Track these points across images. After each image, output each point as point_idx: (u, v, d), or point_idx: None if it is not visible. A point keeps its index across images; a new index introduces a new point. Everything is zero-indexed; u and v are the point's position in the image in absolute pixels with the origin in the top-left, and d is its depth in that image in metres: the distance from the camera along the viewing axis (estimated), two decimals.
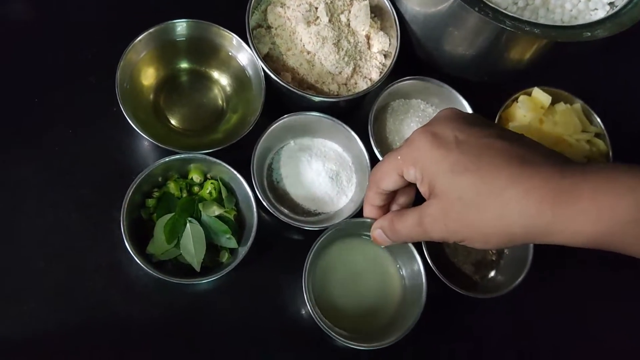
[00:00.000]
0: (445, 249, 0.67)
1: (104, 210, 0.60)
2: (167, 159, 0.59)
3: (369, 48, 0.66)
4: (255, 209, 0.58)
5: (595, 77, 0.81)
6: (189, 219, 0.58)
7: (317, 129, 0.65)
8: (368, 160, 0.63)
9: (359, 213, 0.61)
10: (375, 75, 0.65)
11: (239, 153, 0.60)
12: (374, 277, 0.63)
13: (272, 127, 0.62)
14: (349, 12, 0.65)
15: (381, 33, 0.67)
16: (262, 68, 0.61)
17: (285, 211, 0.63)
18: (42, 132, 0.63)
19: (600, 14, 0.66)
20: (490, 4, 0.60)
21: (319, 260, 0.61)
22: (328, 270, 0.62)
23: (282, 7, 0.64)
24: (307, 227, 0.61)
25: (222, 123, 0.66)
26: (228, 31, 0.64)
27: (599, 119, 0.71)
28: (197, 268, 0.58)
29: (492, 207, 0.44)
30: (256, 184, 0.59)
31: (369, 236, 0.63)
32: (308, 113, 0.63)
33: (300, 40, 0.63)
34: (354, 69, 0.64)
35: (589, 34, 0.60)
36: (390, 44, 0.67)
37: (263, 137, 0.61)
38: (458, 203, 0.45)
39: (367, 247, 0.64)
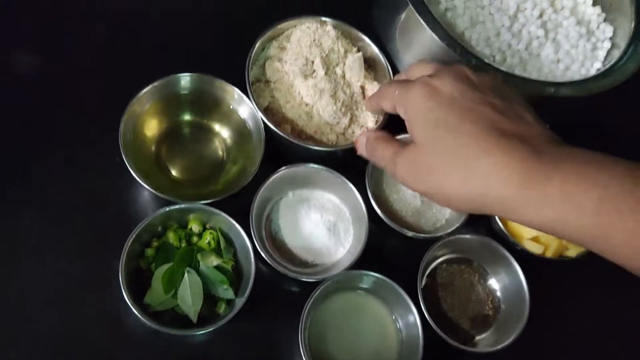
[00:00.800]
0: (442, 303, 0.68)
1: (103, 259, 0.61)
2: (167, 209, 0.61)
3: (364, 98, 0.69)
4: (252, 260, 0.60)
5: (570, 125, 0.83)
6: (187, 269, 0.60)
7: (315, 181, 0.67)
8: (365, 212, 0.64)
9: (355, 265, 0.62)
10: (371, 124, 0.67)
11: (238, 203, 0.62)
12: (371, 330, 0.64)
13: (271, 179, 0.64)
14: (344, 64, 0.68)
15: (375, 83, 0.70)
16: (262, 120, 0.64)
17: (283, 262, 0.64)
18: (45, 181, 0.65)
19: None
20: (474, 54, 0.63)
21: (316, 312, 0.62)
22: (325, 323, 0.63)
23: (279, 62, 0.67)
24: (304, 279, 0.62)
25: (222, 174, 0.68)
26: (230, 85, 0.67)
27: None
28: (194, 319, 0.58)
29: (460, 171, 0.45)
30: (255, 235, 0.61)
31: (365, 289, 0.65)
32: (307, 165, 0.65)
33: (299, 93, 0.66)
34: (351, 118, 0.67)
35: (552, 89, 0.63)
36: None
37: (262, 188, 0.63)
38: (430, 157, 0.47)
39: (364, 300, 0.65)
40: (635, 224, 0.41)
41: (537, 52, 0.71)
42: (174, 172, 0.68)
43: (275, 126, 0.63)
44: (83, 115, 0.69)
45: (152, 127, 0.68)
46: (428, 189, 0.48)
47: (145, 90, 0.64)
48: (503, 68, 0.68)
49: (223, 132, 0.70)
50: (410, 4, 0.62)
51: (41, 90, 0.69)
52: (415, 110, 0.49)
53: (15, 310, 0.59)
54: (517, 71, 0.68)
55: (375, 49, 0.71)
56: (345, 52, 0.69)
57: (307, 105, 0.66)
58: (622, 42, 0.70)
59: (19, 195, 0.64)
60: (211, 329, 0.57)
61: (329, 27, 0.70)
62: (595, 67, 0.71)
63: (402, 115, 0.51)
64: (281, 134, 0.63)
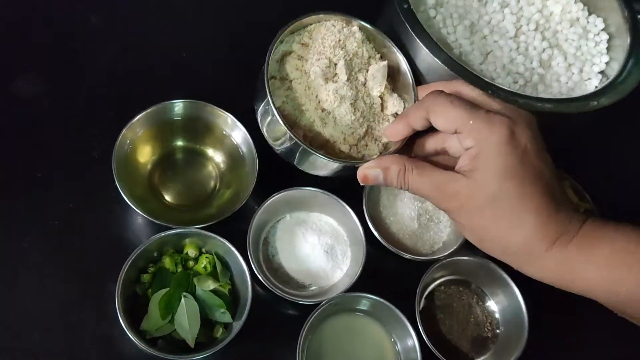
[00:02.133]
0: (441, 326, 0.70)
1: (100, 285, 0.63)
2: (162, 234, 0.63)
3: (382, 110, 0.65)
4: (249, 283, 0.62)
5: (582, 154, 0.87)
6: (184, 293, 0.62)
7: (312, 203, 0.70)
8: (363, 234, 0.67)
9: (353, 287, 0.64)
10: (385, 139, 0.64)
11: (234, 227, 0.64)
12: (369, 353, 0.66)
13: (268, 202, 0.66)
14: (366, 71, 0.65)
15: (395, 95, 0.65)
16: (277, 118, 0.58)
17: (280, 285, 0.66)
18: (43, 205, 0.67)
19: (594, 82, 0.75)
20: (500, 86, 0.67)
21: (314, 335, 0.64)
22: (323, 346, 0.65)
23: (299, 59, 0.63)
24: (301, 301, 0.64)
25: (216, 198, 0.71)
26: (222, 110, 0.70)
27: (588, 196, 0.77)
28: (192, 344, 0.60)
29: (507, 222, 0.50)
30: (252, 258, 0.63)
31: (363, 311, 0.67)
32: (304, 188, 0.67)
33: (316, 97, 0.62)
34: (367, 130, 0.63)
35: (596, 102, 0.69)
36: (405, 108, 0.65)
37: (259, 211, 0.66)
38: (487, 198, 0.50)
39: (362, 323, 0.67)
40: None
41: (549, 64, 0.76)
42: (167, 197, 0.70)
43: (289, 128, 0.58)
44: (82, 140, 0.71)
45: (145, 153, 0.70)
46: (471, 224, 0.52)
47: (137, 117, 0.67)
48: (528, 89, 0.73)
49: (216, 157, 0.73)
50: (439, 60, 0.67)
51: (41, 115, 0.72)
52: (490, 150, 0.50)
53: (12, 332, 0.61)
54: (540, 88, 0.74)
55: (400, 57, 0.66)
56: (369, 58, 0.66)
57: (323, 111, 0.61)
58: (620, 31, 0.77)
59: (19, 219, 0.66)
60: (209, 354, 0.59)
61: (355, 28, 0.65)
62: (603, 60, 0.77)
63: (465, 144, 0.51)
64: (296, 138, 0.58)
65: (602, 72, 0.77)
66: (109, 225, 0.68)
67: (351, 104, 0.61)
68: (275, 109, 0.58)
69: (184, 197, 0.71)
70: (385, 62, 0.64)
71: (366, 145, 0.63)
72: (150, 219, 0.63)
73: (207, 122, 0.71)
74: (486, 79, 0.67)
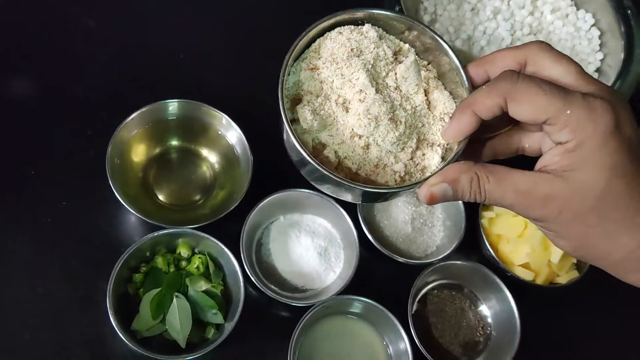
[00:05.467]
0: (433, 329, 0.70)
1: (92, 284, 0.63)
2: (155, 234, 0.63)
3: (429, 108, 0.53)
4: (242, 284, 0.62)
5: None
6: (176, 294, 0.62)
7: (306, 205, 0.70)
8: (356, 237, 0.67)
9: (346, 290, 0.65)
10: (445, 140, 0.53)
11: (228, 227, 0.65)
12: (361, 356, 0.67)
13: (262, 203, 0.67)
14: (395, 73, 0.53)
15: (446, 93, 0.54)
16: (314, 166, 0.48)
17: (273, 287, 0.67)
18: (36, 203, 0.67)
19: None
20: None
21: (306, 337, 0.65)
22: (315, 348, 0.65)
23: (311, 104, 0.51)
24: (294, 303, 0.65)
25: (209, 199, 0.71)
26: (218, 111, 0.70)
27: None
28: (183, 344, 0.61)
29: (616, 227, 0.43)
30: (245, 259, 0.64)
31: (356, 314, 0.67)
32: (298, 189, 0.68)
33: (347, 125, 0.51)
34: (419, 138, 0.52)
35: None
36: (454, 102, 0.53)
37: (253, 212, 0.66)
38: (592, 202, 0.42)
39: (354, 325, 0.68)
40: None
41: None
42: (161, 197, 0.70)
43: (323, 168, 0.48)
44: (75, 139, 0.72)
45: (139, 153, 0.71)
46: (568, 232, 0.44)
47: (132, 116, 0.67)
48: None
49: (211, 157, 0.73)
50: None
51: (35, 114, 0.72)
52: (594, 144, 0.41)
53: (2, 333, 0.61)
54: None
55: (432, 36, 0.53)
56: (395, 54, 0.53)
57: (360, 137, 0.51)
58: (613, 28, 0.78)
59: (10, 217, 0.66)
60: (200, 354, 0.60)
61: (366, 28, 0.53)
62: (598, 57, 0.78)
63: (561, 137, 0.42)
64: (336, 178, 0.48)
65: (598, 70, 0.78)
66: (102, 224, 0.68)
67: (390, 119, 0.50)
68: (311, 158, 0.48)
69: (178, 197, 0.71)
70: (413, 57, 0.53)
71: (423, 155, 0.53)
72: (144, 218, 0.63)
73: (203, 122, 0.72)
74: None
